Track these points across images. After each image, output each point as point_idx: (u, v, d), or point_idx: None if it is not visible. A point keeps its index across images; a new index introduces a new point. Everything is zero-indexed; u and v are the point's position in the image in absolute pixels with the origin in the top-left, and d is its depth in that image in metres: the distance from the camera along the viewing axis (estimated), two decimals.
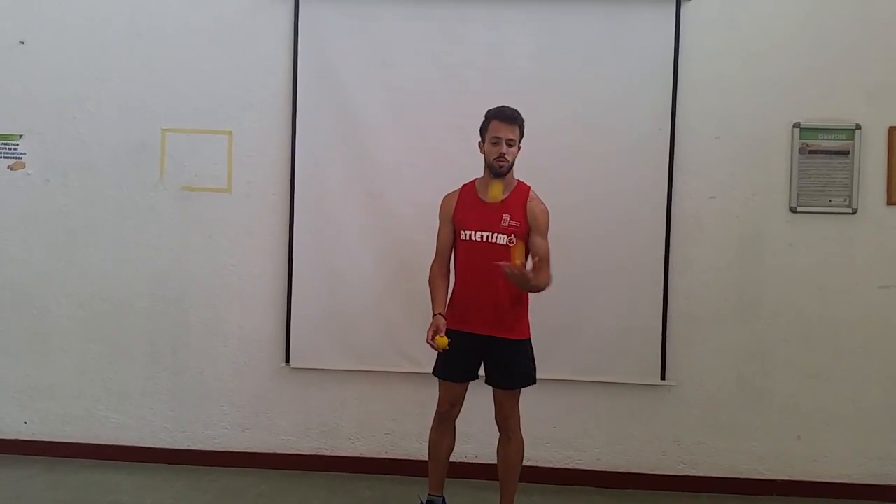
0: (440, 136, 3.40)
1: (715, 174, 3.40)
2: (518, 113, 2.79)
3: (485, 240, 2.78)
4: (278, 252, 3.53)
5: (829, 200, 3.37)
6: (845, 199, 3.36)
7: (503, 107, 2.80)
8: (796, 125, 3.36)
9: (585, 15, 3.38)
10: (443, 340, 2.73)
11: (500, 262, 2.62)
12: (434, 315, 2.83)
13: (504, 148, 2.74)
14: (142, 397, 3.62)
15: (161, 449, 3.61)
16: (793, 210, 3.39)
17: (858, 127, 3.34)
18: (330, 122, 3.46)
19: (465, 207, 2.86)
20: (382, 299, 3.47)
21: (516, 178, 2.86)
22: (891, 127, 3.33)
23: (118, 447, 3.62)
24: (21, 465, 3.53)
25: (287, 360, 3.53)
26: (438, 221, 2.94)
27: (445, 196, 2.95)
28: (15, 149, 3.59)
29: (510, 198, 2.82)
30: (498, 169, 2.77)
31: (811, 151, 3.36)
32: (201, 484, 3.40)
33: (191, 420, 3.61)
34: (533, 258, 2.69)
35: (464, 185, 2.93)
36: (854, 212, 3.36)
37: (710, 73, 3.38)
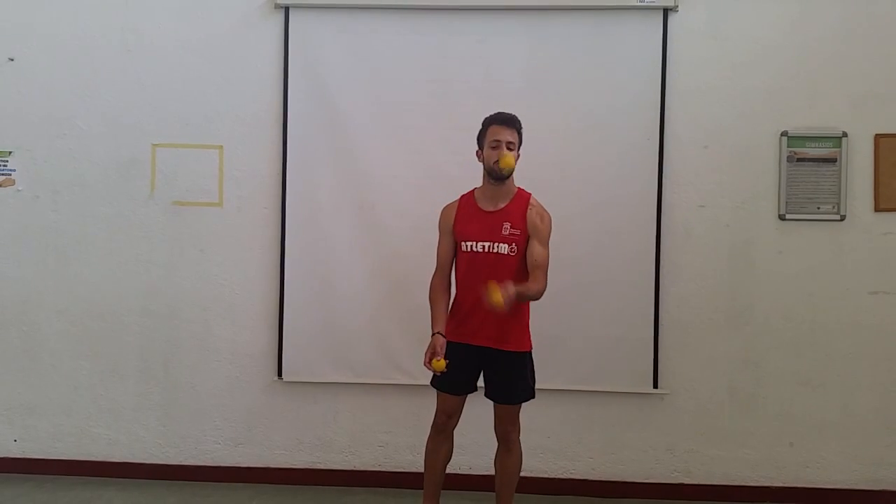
0: (431, 148, 3.41)
1: (704, 183, 3.43)
2: (516, 117, 2.79)
3: (486, 250, 2.75)
4: (270, 266, 3.52)
5: (818, 208, 3.40)
6: (833, 207, 3.39)
7: (500, 112, 2.80)
8: (784, 133, 3.39)
9: (573, 27, 3.40)
10: (440, 364, 2.69)
11: (487, 300, 2.51)
12: (433, 334, 2.79)
13: (504, 151, 2.72)
14: (133, 413, 3.60)
15: (153, 465, 3.59)
16: (782, 218, 3.41)
17: (845, 135, 3.37)
18: (321, 136, 3.46)
19: (465, 218, 2.83)
20: (375, 312, 3.46)
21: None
22: (877, 134, 3.36)
23: (110, 463, 3.59)
24: (11, 484, 3.50)
25: (279, 374, 3.52)
26: (438, 233, 2.91)
27: (445, 207, 2.91)
28: (4, 165, 3.58)
29: (510, 206, 2.79)
30: (499, 172, 2.73)
31: (799, 159, 3.39)
32: (194, 500, 3.38)
33: (183, 435, 3.60)
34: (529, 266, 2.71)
35: (462, 196, 2.90)
36: (842, 219, 3.39)
37: (698, 82, 3.41)
